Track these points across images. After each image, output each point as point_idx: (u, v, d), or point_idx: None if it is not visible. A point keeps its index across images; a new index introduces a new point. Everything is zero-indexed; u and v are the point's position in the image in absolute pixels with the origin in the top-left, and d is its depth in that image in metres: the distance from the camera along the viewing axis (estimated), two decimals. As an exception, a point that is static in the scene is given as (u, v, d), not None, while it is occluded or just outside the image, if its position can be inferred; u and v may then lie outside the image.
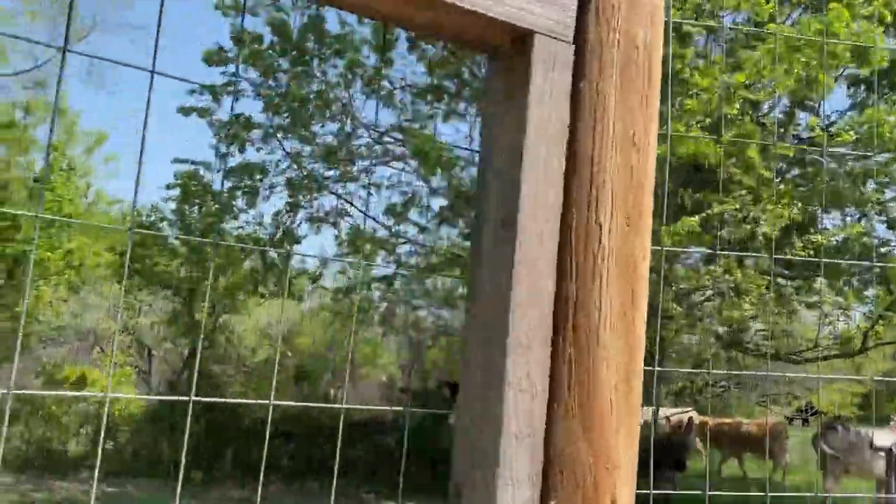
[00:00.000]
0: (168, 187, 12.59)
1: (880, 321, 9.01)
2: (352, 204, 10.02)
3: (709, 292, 9.10)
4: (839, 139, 7.17)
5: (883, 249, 10.05)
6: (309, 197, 10.11)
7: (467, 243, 10.81)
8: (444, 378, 14.28)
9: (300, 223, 10.70)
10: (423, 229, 10.38)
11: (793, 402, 20.01)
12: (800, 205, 7.08)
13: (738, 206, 6.69)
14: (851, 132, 7.19)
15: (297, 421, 13.34)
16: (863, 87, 8.79)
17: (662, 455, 10.34)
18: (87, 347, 15.24)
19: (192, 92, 9.18)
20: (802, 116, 8.63)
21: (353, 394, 14.77)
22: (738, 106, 6.30)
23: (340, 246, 10.86)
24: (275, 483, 12.14)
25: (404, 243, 10.63)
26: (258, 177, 9.45)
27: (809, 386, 16.42)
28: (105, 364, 13.46)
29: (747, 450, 13.08)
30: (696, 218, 6.60)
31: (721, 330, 8.95)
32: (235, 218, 12.62)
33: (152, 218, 12.57)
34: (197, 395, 13.27)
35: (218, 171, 9.73)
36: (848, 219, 9.48)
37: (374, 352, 16.06)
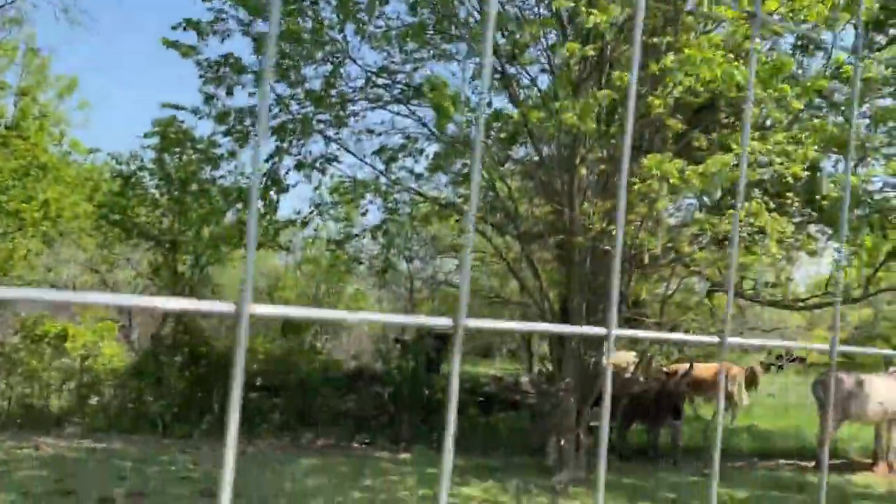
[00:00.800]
0: (146, 136, 12.10)
1: (882, 268, 8.95)
2: (347, 150, 9.63)
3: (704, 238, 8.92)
4: (868, 76, 6.95)
5: (878, 197, 9.96)
6: (297, 142, 9.70)
7: (463, 190, 10.52)
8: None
9: (288, 171, 10.30)
10: (418, 176, 10.05)
11: (772, 350, 20.28)
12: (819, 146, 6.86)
13: (770, 147, 6.43)
14: (889, 70, 6.94)
15: (285, 374, 13.14)
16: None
17: (660, 405, 10.33)
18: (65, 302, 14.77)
19: (175, 28, 8.66)
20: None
21: (344, 346, 14.57)
22: (760, 42, 6.02)
23: (332, 194, 10.51)
24: (264, 436, 11.96)
25: (398, 191, 10.29)
26: (248, 122, 9.00)
27: (791, 333, 16.56)
28: (85, 319, 13.05)
29: (700, 394, 13.07)
30: (731, 156, 6.33)
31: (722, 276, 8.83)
32: (217, 167, 12.17)
33: (132, 167, 12.07)
34: (182, 348, 12.96)
35: (201, 118, 9.23)
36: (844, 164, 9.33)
37: (363, 303, 15.85)
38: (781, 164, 7.18)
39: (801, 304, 9.75)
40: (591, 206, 7.45)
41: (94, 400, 12.28)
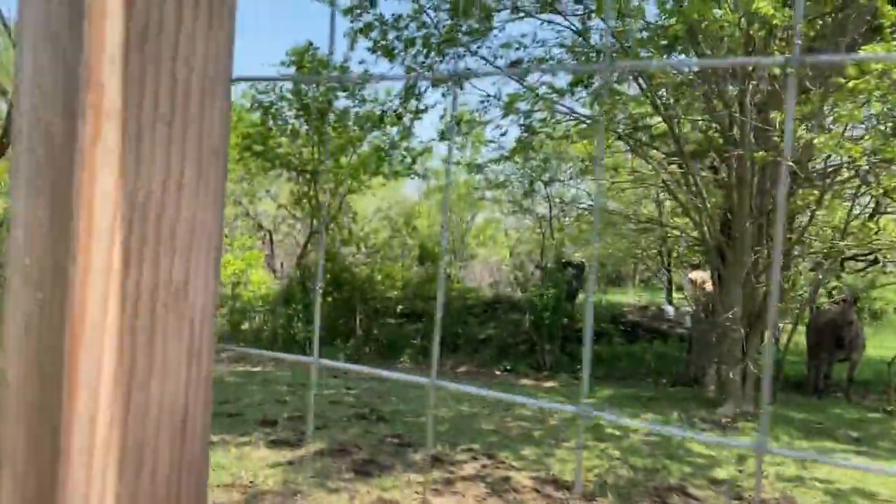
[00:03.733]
0: (283, 64, 12.14)
1: None
2: (491, 63, 9.15)
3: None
4: None
5: None
6: (433, 58, 9.28)
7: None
8: (566, 257, 13.69)
9: (426, 89, 9.96)
10: (560, 92, 9.47)
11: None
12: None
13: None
14: None
15: (424, 300, 13.19)
16: None
17: (822, 335, 9.53)
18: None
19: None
20: None
21: (479, 273, 14.43)
22: None
23: (463, 120, 10.13)
24: (405, 361, 12.11)
25: (538, 110, 9.76)
26: (393, 34, 8.67)
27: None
28: (234, 248, 13.54)
29: None
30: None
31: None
32: (354, 94, 12.05)
33: (271, 97, 12.15)
34: (325, 275, 13.22)
35: (345, 35, 8.99)
36: None
37: (495, 230, 15.58)
38: None
39: None
40: (768, 117, 6.66)
41: (245, 325, 12.79)
